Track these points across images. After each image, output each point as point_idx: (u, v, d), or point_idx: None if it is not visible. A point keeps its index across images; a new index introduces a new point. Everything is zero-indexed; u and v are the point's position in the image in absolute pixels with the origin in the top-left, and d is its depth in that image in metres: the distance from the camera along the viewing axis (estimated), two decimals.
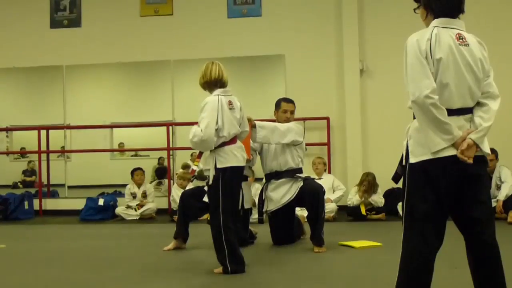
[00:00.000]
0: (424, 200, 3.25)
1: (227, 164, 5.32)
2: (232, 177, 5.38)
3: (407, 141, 3.38)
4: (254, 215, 7.62)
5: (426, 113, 3.18)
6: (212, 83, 5.44)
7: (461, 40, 3.28)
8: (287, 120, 7.04)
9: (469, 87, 3.27)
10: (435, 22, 3.35)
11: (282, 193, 6.89)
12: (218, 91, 5.44)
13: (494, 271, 3.31)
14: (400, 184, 3.54)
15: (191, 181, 9.64)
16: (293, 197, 6.84)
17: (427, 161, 3.24)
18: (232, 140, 5.38)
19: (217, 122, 5.29)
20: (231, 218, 5.37)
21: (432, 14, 3.40)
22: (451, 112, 3.22)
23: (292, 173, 6.91)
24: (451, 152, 3.20)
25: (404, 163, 3.42)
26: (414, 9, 3.57)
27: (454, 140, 3.19)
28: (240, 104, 5.58)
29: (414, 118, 3.32)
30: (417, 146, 3.30)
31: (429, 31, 3.29)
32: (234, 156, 5.36)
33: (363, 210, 9.28)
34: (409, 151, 3.35)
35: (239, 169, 5.41)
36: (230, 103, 5.40)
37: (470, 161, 3.18)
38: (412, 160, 3.31)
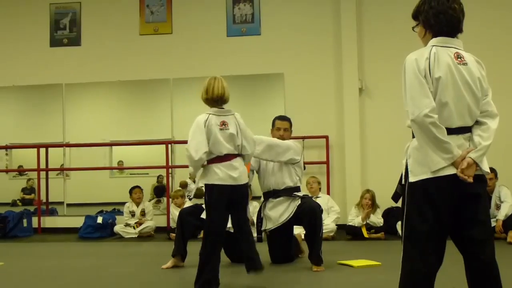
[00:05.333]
0: (424, 220, 3.23)
1: (210, 182, 5.32)
2: (216, 194, 5.31)
3: (407, 160, 3.38)
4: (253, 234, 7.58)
5: (425, 132, 3.18)
6: (214, 100, 5.39)
7: (459, 59, 3.28)
8: (281, 138, 7.02)
9: (468, 106, 3.27)
10: (434, 41, 3.35)
11: (280, 211, 6.87)
12: (211, 110, 5.40)
13: None
14: (399, 203, 3.53)
15: (190, 199, 9.63)
16: (291, 215, 6.83)
17: (426, 180, 3.23)
18: (221, 158, 5.33)
19: (208, 142, 5.29)
20: (216, 236, 5.32)
21: (431, 32, 3.41)
22: (451, 131, 3.22)
23: (290, 192, 6.90)
24: (451, 171, 3.20)
25: (403, 182, 3.42)
26: (413, 27, 3.57)
27: (454, 159, 3.18)
28: (240, 124, 5.46)
29: (414, 137, 3.33)
30: (416, 165, 3.29)
31: (427, 50, 3.30)
32: (215, 174, 5.29)
33: (365, 233, 9.24)
34: (409, 170, 3.34)
35: (222, 187, 5.28)
36: (223, 123, 5.34)
37: (470, 180, 3.18)
38: (412, 179, 3.30)
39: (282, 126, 7.10)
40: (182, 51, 11.69)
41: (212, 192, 5.32)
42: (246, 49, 11.49)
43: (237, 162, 5.35)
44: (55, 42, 12.13)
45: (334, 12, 11.19)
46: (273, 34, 11.46)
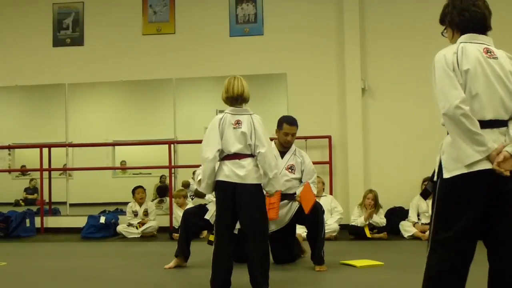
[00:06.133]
0: (456, 218, 3.20)
1: (217, 178, 5.34)
2: (221, 191, 5.34)
3: (440, 157, 3.34)
4: None
5: (457, 124, 3.15)
6: (234, 99, 5.38)
7: (489, 54, 3.29)
8: (288, 143, 6.97)
9: (501, 99, 3.25)
10: (462, 38, 3.38)
11: (284, 212, 6.86)
12: (228, 109, 5.41)
13: None
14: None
15: (192, 199, 9.64)
16: (293, 214, 6.82)
17: (461, 176, 3.19)
18: (230, 156, 5.32)
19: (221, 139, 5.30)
20: (223, 235, 5.33)
21: (458, 32, 3.44)
22: (484, 124, 3.19)
23: (292, 194, 6.89)
24: (487, 165, 3.15)
25: (436, 178, 3.37)
26: (442, 32, 3.61)
27: (489, 152, 3.12)
28: (255, 125, 5.36)
29: (448, 133, 3.30)
30: (450, 161, 3.25)
31: (455, 46, 3.32)
32: (222, 170, 5.30)
33: (367, 233, 9.22)
34: (443, 166, 3.29)
35: (226, 184, 5.28)
36: (237, 122, 5.32)
37: (507, 173, 3.12)
38: (446, 175, 3.26)
39: (290, 131, 6.95)
40: (185, 51, 11.68)
41: (218, 188, 5.36)
42: (249, 49, 11.49)
43: (247, 161, 5.29)
44: (58, 42, 12.13)
45: (337, 12, 11.18)
46: (276, 34, 11.46)
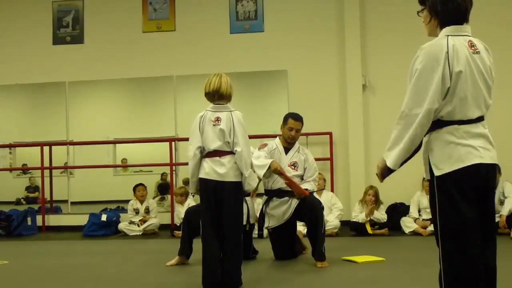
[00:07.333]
0: (456, 212, 3.18)
1: (199, 175, 5.41)
2: (203, 188, 5.40)
3: (428, 155, 3.36)
4: (255, 230, 7.61)
5: (410, 128, 3.24)
6: (210, 95, 5.40)
7: (473, 48, 3.24)
8: (292, 138, 7.01)
9: (483, 97, 3.24)
10: (447, 30, 3.28)
11: (284, 209, 6.87)
12: (209, 106, 5.44)
13: None
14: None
15: (193, 196, 9.64)
16: (292, 211, 6.83)
17: (452, 172, 3.20)
18: (211, 154, 5.35)
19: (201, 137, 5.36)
20: (209, 232, 5.38)
21: (436, 19, 3.34)
22: (471, 122, 3.19)
23: (292, 191, 6.88)
24: (477, 160, 3.17)
25: (428, 178, 3.38)
26: (418, 12, 3.49)
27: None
28: (234, 122, 5.35)
29: (432, 130, 3.29)
30: (445, 158, 3.25)
31: (445, 42, 3.21)
32: (203, 168, 5.37)
33: (368, 229, 9.22)
34: (432, 164, 3.32)
35: (206, 181, 5.33)
36: (216, 119, 5.34)
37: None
38: (437, 173, 3.28)
39: (295, 126, 7.03)
40: (185, 48, 11.69)
41: (200, 186, 5.43)
42: (250, 46, 11.48)
43: (227, 159, 5.32)
44: (58, 40, 12.14)
45: (337, 9, 11.18)
46: (277, 31, 11.45)
